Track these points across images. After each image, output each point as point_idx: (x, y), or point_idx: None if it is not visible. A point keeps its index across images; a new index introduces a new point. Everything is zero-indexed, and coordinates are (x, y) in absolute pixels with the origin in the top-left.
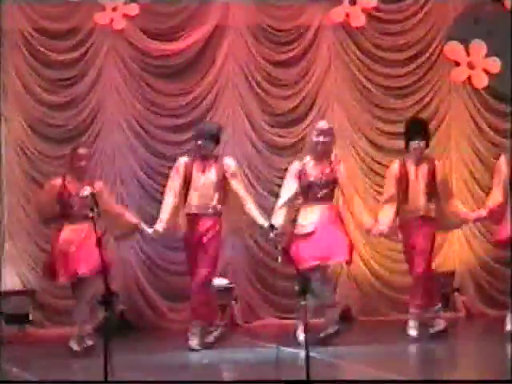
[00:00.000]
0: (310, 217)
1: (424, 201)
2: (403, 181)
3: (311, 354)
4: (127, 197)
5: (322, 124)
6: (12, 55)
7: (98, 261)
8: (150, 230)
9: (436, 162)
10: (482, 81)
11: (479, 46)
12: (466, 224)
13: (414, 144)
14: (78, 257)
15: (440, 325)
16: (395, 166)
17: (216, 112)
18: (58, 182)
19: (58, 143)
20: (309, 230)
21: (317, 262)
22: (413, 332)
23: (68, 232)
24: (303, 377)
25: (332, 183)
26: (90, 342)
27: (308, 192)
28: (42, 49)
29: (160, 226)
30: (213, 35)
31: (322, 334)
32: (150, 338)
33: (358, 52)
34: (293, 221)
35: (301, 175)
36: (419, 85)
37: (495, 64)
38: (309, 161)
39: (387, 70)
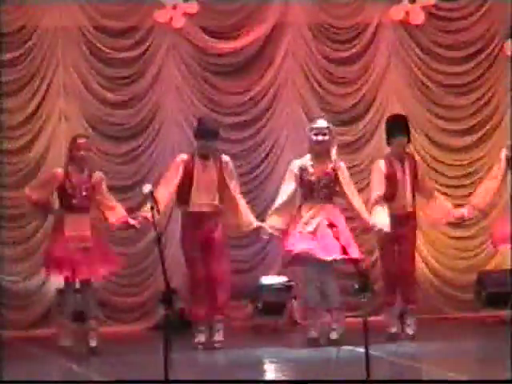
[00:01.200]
0: (311, 216)
1: (411, 197)
2: (391, 178)
3: (371, 352)
4: None
5: (320, 122)
6: (72, 53)
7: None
8: (134, 222)
9: (416, 158)
10: None
11: None
12: (449, 220)
13: (396, 140)
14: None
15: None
16: (382, 165)
17: (275, 110)
18: (61, 172)
19: (118, 141)
20: (309, 229)
21: (302, 249)
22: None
23: (71, 226)
24: (363, 376)
25: (333, 182)
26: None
27: (308, 191)
28: (101, 47)
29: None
30: (272, 33)
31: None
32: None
33: (417, 50)
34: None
35: (301, 174)
36: (479, 82)
37: None
38: (309, 160)
39: (447, 68)
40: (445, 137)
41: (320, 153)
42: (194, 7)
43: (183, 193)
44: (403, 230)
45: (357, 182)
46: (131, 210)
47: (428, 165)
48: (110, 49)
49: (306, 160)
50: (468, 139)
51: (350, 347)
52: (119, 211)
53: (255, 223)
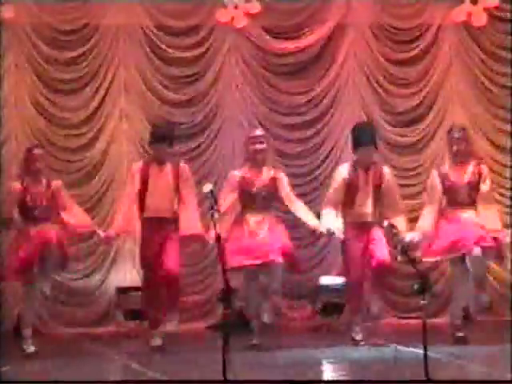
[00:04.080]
0: (256, 225)
1: (372, 206)
2: (352, 185)
3: (429, 353)
4: None
5: (257, 132)
6: (133, 52)
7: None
8: (102, 234)
9: (384, 168)
10: None
11: None
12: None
13: (363, 149)
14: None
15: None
16: (344, 169)
17: (336, 110)
18: (18, 185)
19: (179, 140)
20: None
21: (249, 262)
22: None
23: (36, 234)
24: (421, 376)
25: (272, 190)
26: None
27: (249, 201)
28: (163, 46)
29: (112, 231)
30: (333, 34)
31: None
32: (267, 336)
33: (479, 52)
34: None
35: (241, 184)
36: None
37: None
38: (248, 169)
39: (508, 70)
40: (505, 139)
41: (258, 162)
42: (255, 7)
43: (140, 199)
44: (363, 239)
45: (416, 184)
46: None
47: (488, 167)
48: (172, 48)
49: (245, 170)
50: None
51: (409, 348)
52: (82, 218)
53: (199, 230)
